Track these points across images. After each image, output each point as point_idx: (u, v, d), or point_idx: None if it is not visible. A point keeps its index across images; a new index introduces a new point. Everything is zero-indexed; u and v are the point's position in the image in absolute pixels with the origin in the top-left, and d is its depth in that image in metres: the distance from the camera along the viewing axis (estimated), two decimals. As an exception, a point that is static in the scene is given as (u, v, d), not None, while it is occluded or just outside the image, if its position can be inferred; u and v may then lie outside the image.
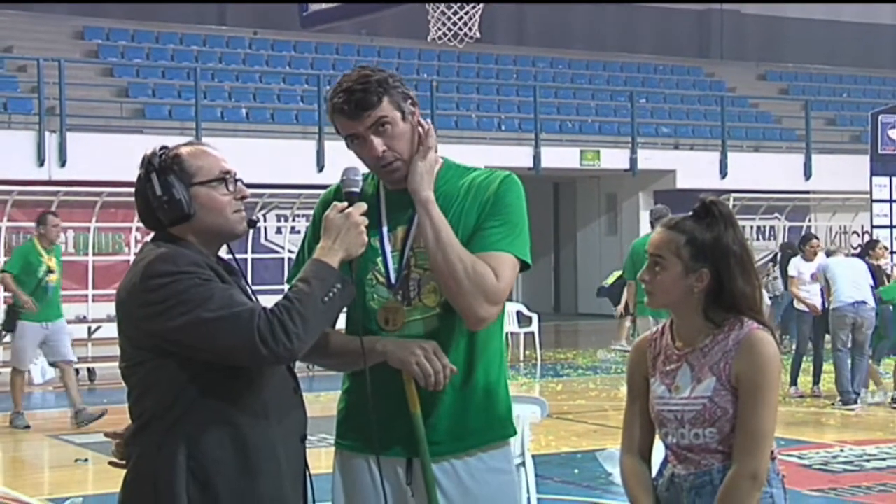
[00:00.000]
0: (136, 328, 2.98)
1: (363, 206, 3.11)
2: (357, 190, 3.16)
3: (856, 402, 12.58)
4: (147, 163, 3.05)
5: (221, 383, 2.96)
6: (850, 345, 12.54)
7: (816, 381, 13.56)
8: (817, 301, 13.21)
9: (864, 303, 12.50)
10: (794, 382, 13.50)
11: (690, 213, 3.28)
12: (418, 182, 3.19)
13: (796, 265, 13.56)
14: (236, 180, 3.11)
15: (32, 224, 17.47)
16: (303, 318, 2.90)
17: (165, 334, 2.91)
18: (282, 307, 2.91)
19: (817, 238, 14.41)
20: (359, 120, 3.17)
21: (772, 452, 3.23)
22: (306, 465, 3.17)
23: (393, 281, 3.24)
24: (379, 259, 3.25)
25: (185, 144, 3.13)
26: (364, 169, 3.30)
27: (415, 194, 3.19)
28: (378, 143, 3.18)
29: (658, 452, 3.40)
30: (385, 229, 3.27)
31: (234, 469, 2.96)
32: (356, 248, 3.06)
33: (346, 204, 3.10)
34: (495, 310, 3.19)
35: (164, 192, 3.01)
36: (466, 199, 3.24)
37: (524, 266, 3.23)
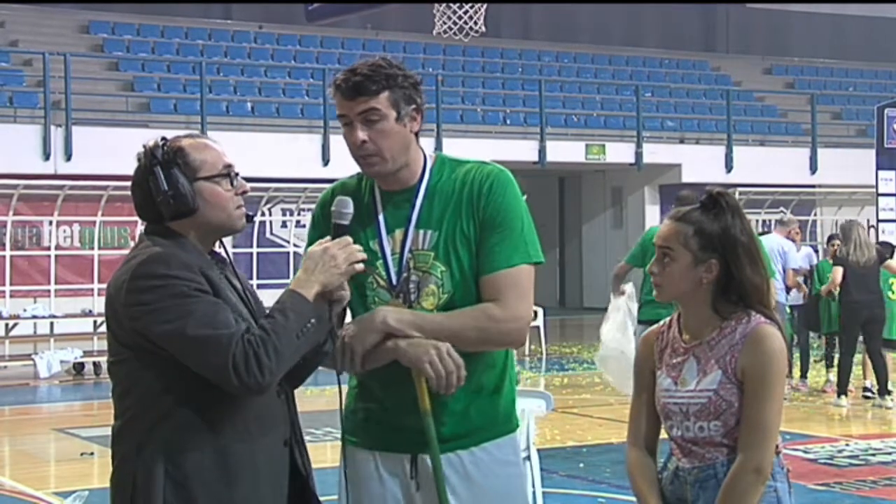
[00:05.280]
0: (120, 325, 2.95)
1: (346, 240, 3.06)
2: (344, 222, 3.12)
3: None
4: (150, 155, 3.00)
5: (202, 388, 2.91)
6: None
7: (803, 375, 13.57)
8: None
9: None
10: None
11: (697, 204, 3.29)
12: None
13: None
14: (236, 175, 3.09)
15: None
16: (277, 352, 2.88)
17: (147, 336, 2.90)
18: (259, 339, 2.87)
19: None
20: (351, 102, 3.17)
21: (776, 447, 3.23)
22: (294, 469, 3.12)
23: (394, 283, 3.23)
24: (379, 262, 3.23)
25: (186, 136, 3.08)
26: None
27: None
28: (362, 131, 3.17)
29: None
30: (384, 232, 3.25)
31: (213, 475, 2.93)
32: (332, 282, 3.00)
33: (328, 238, 3.07)
34: (515, 325, 3.19)
35: (169, 187, 2.97)
36: (462, 201, 3.21)
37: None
